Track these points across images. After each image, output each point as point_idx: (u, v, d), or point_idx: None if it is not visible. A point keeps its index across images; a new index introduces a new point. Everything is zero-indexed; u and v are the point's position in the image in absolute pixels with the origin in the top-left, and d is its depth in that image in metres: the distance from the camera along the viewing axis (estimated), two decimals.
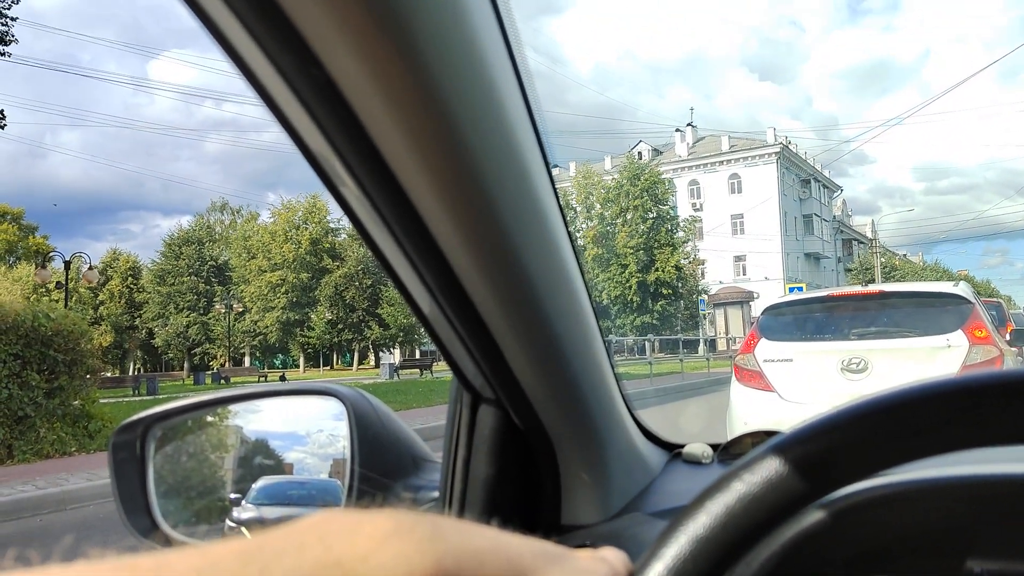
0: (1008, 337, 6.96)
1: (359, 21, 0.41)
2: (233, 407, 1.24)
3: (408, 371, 34.74)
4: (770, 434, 1.04)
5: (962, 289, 5.26)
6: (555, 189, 0.67)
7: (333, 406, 0.98)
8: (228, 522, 1.14)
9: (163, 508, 1.06)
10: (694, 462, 1.02)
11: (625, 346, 31.44)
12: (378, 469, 0.90)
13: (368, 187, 0.53)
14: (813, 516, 0.57)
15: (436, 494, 0.85)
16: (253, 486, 1.15)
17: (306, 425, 1.18)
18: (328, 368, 55.47)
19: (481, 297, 0.63)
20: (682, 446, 1.05)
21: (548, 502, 0.81)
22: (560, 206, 0.68)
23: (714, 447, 1.04)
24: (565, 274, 0.71)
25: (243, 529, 1.13)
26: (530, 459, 0.80)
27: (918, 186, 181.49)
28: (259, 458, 1.22)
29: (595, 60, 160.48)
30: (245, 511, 1.13)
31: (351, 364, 55.32)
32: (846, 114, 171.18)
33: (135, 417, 1.08)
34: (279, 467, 1.19)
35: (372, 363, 52.90)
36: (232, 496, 1.16)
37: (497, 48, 0.53)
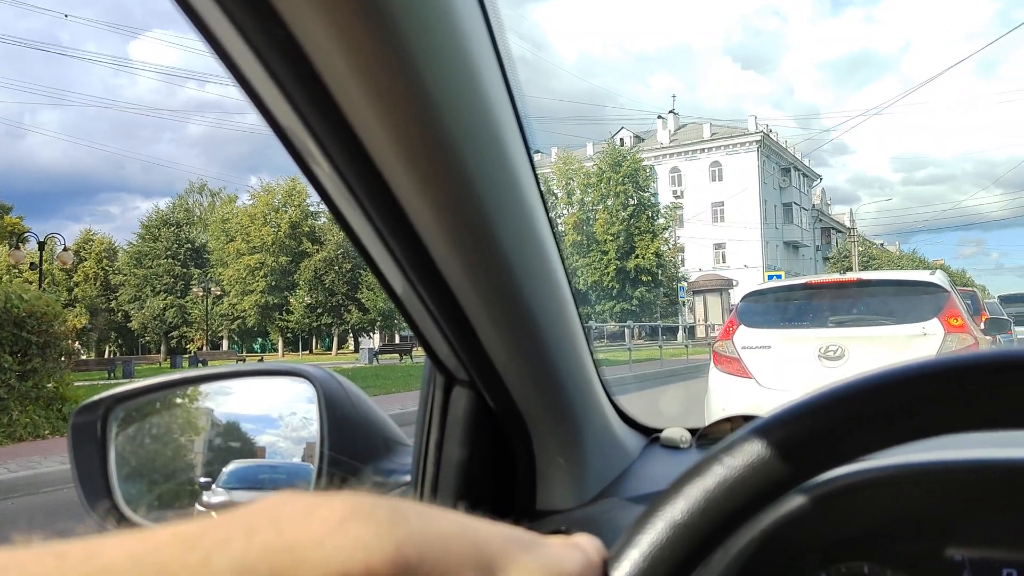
0: (983, 326, 7.04)
1: None
2: (204, 388, 1.22)
3: (387, 356, 34.65)
4: (748, 419, 1.03)
5: (939, 278, 5.30)
6: (535, 171, 0.65)
7: (305, 388, 0.96)
8: (198, 506, 1.12)
9: (125, 492, 1.03)
10: (672, 447, 1.01)
11: (605, 332, 31.55)
12: (349, 452, 0.88)
13: (341, 166, 0.52)
14: (793, 501, 0.56)
15: (408, 478, 0.83)
16: (224, 469, 1.13)
17: (279, 408, 1.15)
18: (307, 352, 55.27)
19: (456, 277, 0.62)
20: (660, 430, 1.04)
21: (522, 486, 0.80)
22: (540, 189, 0.66)
23: (692, 432, 1.03)
24: (543, 256, 0.69)
25: (213, 514, 1.11)
26: (504, 442, 0.78)
27: (896, 176, 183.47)
28: (230, 441, 1.19)
29: (579, 47, 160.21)
30: (215, 495, 1.11)
31: (330, 348, 55.14)
32: (827, 104, 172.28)
33: (96, 398, 1.05)
34: (251, 450, 1.17)
35: (351, 348, 52.71)
36: (202, 479, 1.14)
37: (477, 27, 0.52)
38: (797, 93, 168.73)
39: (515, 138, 0.60)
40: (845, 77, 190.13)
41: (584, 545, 0.45)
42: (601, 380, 0.91)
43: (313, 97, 0.46)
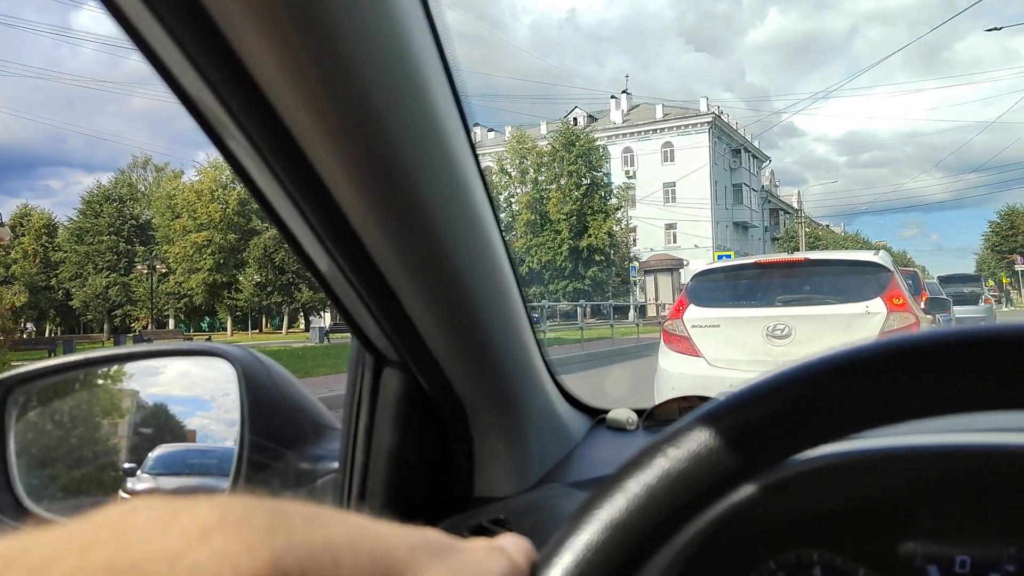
0: (923, 305, 7.22)
1: None
2: (129, 368, 1.15)
3: (339, 335, 34.29)
4: (698, 399, 1.02)
5: (882, 258, 5.40)
6: (472, 142, 0.61)
7: (226, 369, 0.90)
8: (122, 494, 1.06)
9: (27, 483, 0.96)
10: (618, 428, 0.98)
11: (558, 311, 31.69)
12: (274, 437, 0.83)
13: (255, 136, 0.48)
14: (743, 491, 0.52)
15: (336, 464, 0.78)
16: (150, 455, 1.07)
17: (210, 388, 1.09)
18: (257, 331, 54.41)
19: (381, 252, 0.57)
20: (607, 411, 1.01)
21: (460, 472, 0.75)
22: (479, 163, 0.62)
23: (640, 412, 1.00)
24: (479, 231, 0.65)
25: None
26: (440, 426, 0.74)
27: (842, 159, 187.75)
28: (158, 424, 1.13)
29: (535, 26, 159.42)
30: (140, 482, 1.05)
31: (281, 327, 54.35)
32: (777, 87, 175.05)
33: None
34: (180, 434, 1.11)
35: (302, 326, 52.05)
36: (126, 465, 1.08)
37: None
38: (748, 76, 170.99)
39: (448, 107, 0.56)
40: (794, 61, 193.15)
41: (509, 548, 0.41)
42: (545, 360, 0.87)
43: (222, 64, 0.44)
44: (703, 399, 0.99)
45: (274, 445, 0.82)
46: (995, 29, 32.68)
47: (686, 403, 0.98)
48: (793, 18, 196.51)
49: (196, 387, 1.10)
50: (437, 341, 0.66)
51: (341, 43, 0.44)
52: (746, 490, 0.52)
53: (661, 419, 0.98)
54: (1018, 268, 48.39)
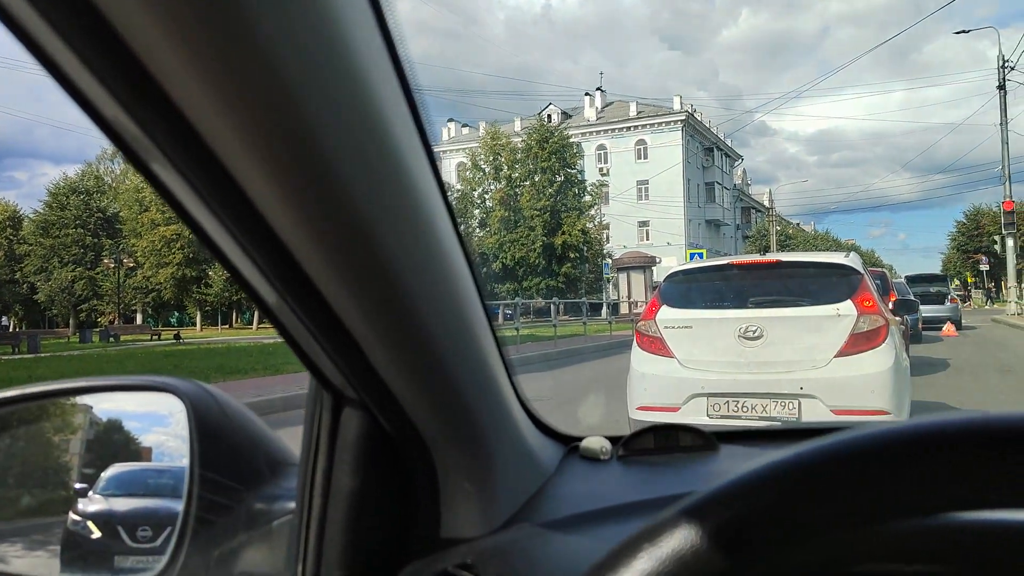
0: (891, 306, 7.30)
1: None
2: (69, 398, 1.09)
3: None
4: (672, 428, 0.99)
5: (852, 260, 5.45)
6: (431, 157, 0.56)
7: (174, 404, 0.85)
8: (72, 516, 1.01)
9: None
10: (592, 458, 0.94)
11: (532, 308, 31.70)
12: (227, 474, 0.78)
13: (179, 162, 0.44)
14: None
15: (294, 504, 0.74)
16: (102, 475, 1.02)
17: (169, 404, 1.04)
18: (227, 327, 53.79)
19: (327, 282, 0.52)
20: (579, 438, 0.97)
21: (425, 514, 0.71)
22: (435, 168, 0.56)
23: (614, 440, 0.97)
24: (439, 256, 0.60)
25: (89, 524, 1.00)
26: (403, 466, 0.70)
27: (812, 158, 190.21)
28: (112, 443, 1.08)
29: (510, 22, 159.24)
30: (92, 503, 1.00)
31: (251, 323, 53.77)
32: (749, 86, 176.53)
33: None
34: (135, 452, 1.06)
35: None
36: (77, 486, 1.03)
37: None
38: (722, 75, 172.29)
39: (403, 121, 0.51)
40: (766, 61, 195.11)
41: None
42: (515, 388, 0.83)
43: (130, 77, 0.39)
44: (680, 427, 0.97)
45: (228, 483, 0.78)
46: (963, 32, 33.26)
47: (662, 433, 0.95)
48: (765, 18, 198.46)
49: (153, 403, 1.06)
50: (396, 377, 0.62)
51: (277, 65, 0.39)
52: None
53: (636, 449, 0.94)
54: (982, 268, 49.28)
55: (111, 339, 34.23)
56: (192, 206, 0.48)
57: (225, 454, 0.80)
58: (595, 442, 0.95)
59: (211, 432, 0.80)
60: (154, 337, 36.55)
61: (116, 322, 47.05)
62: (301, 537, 0.67)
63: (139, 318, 54.24)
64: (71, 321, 52.59)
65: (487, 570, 0.61)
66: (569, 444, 0.98)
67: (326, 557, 0.66)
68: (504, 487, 0.77)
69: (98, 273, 52.01)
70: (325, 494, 0.67)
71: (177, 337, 34.18)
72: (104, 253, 51.17)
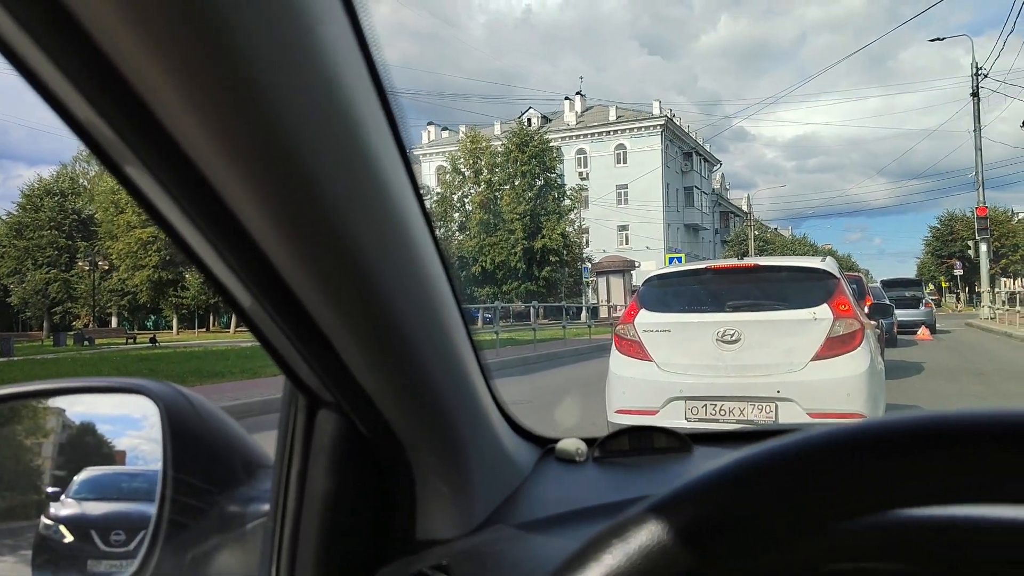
0: (867, 310, 7.38)
1: None
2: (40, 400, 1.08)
3: None
4: (646, 431, 1.00)
5: (828, 264, 5.51)
6: (404, 153, 0.56)
7: (148, 407, 0.85)
8: (44, 520, 1.00)
9: None
10: (568, 460, 0.95)
11: (511, 312, 31.70)
12: (201, 477, 0.78)
13: (151, 164, 0.44)
14: None
15: (268, 507, 0.73)
16: (75, 478, 1.01)
17: (142, 407, 1.04)
18: (204, 330, 53.29)
19: (302, 286, 0.52)
20: (555, 440, 0.98)
21: (401, 516, 0.71)
22: (411, 173, 0.57)
23: (590, 442, 0.97)
24: (413, 255, 0.60)
25: (62, 528, 0.99)
26: (379, 468, 0.70)
27: (790, 163, 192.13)
28: (85, 446, 1.07)
29: (491, 26, 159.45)
30: (64, 507, 0.99)
31: (228, 326, 53.30)
32: (728, 92, 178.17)
33: None
34: (108, 456, 1.05)
35: None
36: (50, 490, 1.02)
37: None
38: (700, 80, 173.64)
39: (377, 121, 0.51)
40: (745, 66, 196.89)
41: None
42: (490, 389, 0.83)
43: (104, 80, 0.39)
44: (656, 429, 0.97)
45: (202, 485, 0.77)
46: (938, 40, 33.67)
47: (637, 435, 0.95)
48: (744, 24, 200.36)
49: (126, 406, 1.05)
50: (371, 380, 0.62)
51: (249, 67, 0.39)
52: None
53: (611, 451, 0.95)
54: (956, 272, 49.94)
55: (85, 342, 33.81)
56: (166, 209, 0.48)
57: (199, 456, 0.80)
58: (571, 444, 0.95)
59: (185, 434, 0.79)
60: (129, 340, 36.16)
61: (91, 325, 46.47)
62: (275, 539, 0.67)
63: (114, 321, 53.58)
64: (45, 324, 51.86)
65: (462, 571, 0.61)
66: (545, 446, 0.98)
67: (300, 559, 0.66)
68: (479, 489, 0.77)
69: (73, 275, 51.35)
70: (300, 496, 0.67)
71: (153, 340, 33.83)
72: (79, 255, 50.53)
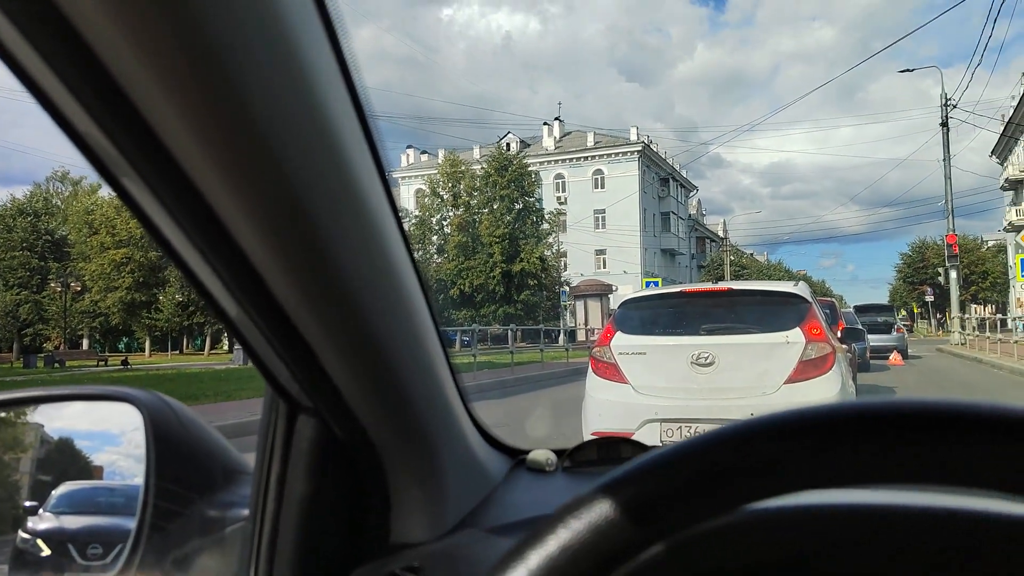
0: (840, 335, 7.48)
1: None
2: (26, 407, 1.09)
3: None
4: (615, 441, 1.03)
5: (801, 289, 5.59)
6: (384, 178, 0.60)
7: (131, 414, 0.87)
8: (22, 534, 1.00)
9: None
10: (538, 469, 0.98)
11: (489, 335, 31.67)
12: (182, 483, 0.80)
13: (146, 174, 0.46)
14: (646, 553, 0.53)
15: (247, 511, 0.76)
16: (53, 492, 1.02)
17: (120, 423, 1.05)
18: (177, 352, 52.59)
19: (287, 296, 0.56)
20: (526, 451, 1.01)
21: (375, 519, 0.74)
22: (389, 193, 0.61)
23: (559, 453, 1.00)
24: (389, 268, 0.64)
25: (39, 542, 1.00)
26: (355, 473, 0.72)
27: (765, 190, 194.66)
28: (62, 460, 1.08)
29: (470, 52, 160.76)
30: (42, 521, 1.00)
31: (202, 348, 52.73)
32: (704, 119, 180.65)
33: None
34: (87, 471, 1.06)
35: (226, 348, 50.52)
36: (27, 504, 1.03)
37: (310, 25, 0.48)
38: (678, 108, 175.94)
39: (357, 142, 0.54)
40: (721, 95, 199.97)
41: None
42: (464, 401, 0.86)
43: (104, 96, 0.42)
44: (623, 440, 1.01)
45: (183, 491, 0.79)
46: (907, 71, 34.47)
47: (605, 444, 0.99)
48: (719, 54, 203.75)
49: (105, 421, 1.06)
50: (349, 387, 0.65)
51: (242, 89, 0.43)
52: (650, 552, 0.51)
53: (580, 460, 0.98)
54: (928, 299, 50.64)
55: (56, 364, 33.27)
56: (160, 221, 0.51)
57: (181, 463, 0.82)
58: (541, 454, 0.99)
59: (168, 441, 0.81)
60: (101, 363, 35.63)
61: (61, 347, 45.69)
62: (254, 541, 0.70)
63: (85, 343, 52.77)
64: (15, 346, 50.96)
65: (434, 573, 0.64)
66: (516, 457, 1.01)
67: (278, 561, 0.68)
68: (451, 494, 0.80)
69: (44, 297, 50.61)
70: (279, 499, 0.69)
71: (125, 363, 33.35)
72: (51, 276, 49.85)
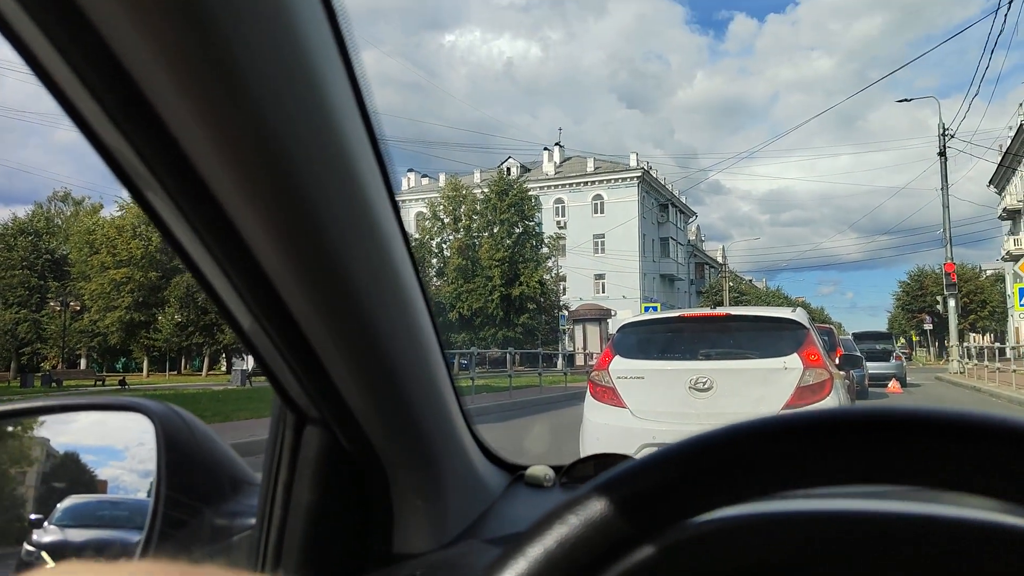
0: (838, 361, 7.48)
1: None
2: (40, 416, 1.11)
3: (261, 378, 33.21)
4: (612, 458, 1.05)
5: (799, 315, 5.60)
6: (393, 201, 0.63)
7: (143, 423, 0.89)
8: (27, 546, 1.02)
9: None
10: (536, 485, 1.00)
11: (487, 359, 31.62)
12: (190, 493, 0.82)
13: (173, 192, 0.49)
14: (641, 552, 0.55)
15: (254, 521, 0.78)
16: (58, 505, 1.04)
17: (124, 438, 1.07)
18: (175, 373, 52.41)
19: (302, 310, 0.59)
20: (525, 467, 1.03)
21: (378, 529, 0.76)
22: (398, 216, 0.64)
23: (557, 469, 1.03)
24: (398, 288, 0.67)
25: (43, 554, 1.02)
26: (360, 484, 0.75)
27: (764, 217, 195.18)
28: (68, 474, 1.10)
29: (472, 77, 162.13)
30: (47, 533, 1.02)
31: (201, 369, 52.52)
32: (703, 146, 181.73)
33: None
34: (91, 484, 1.08)
35: (224, 368, 50.35)
36: (33, 517, 1.04)
37: (325, 49, 0.50)
38: (677, 133, 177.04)
39: (367, 159, 0.58)
40: (720, 122, 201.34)
41: None
42: (464, 415, 0.89)
43: (137, 116, 0.44)
44: (621, 457, 1.03)
45: (190, 500, 0.81)
46: (905, 100, 34.78)
47: (602, 461, 1.01)
48: (719, 82, 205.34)
49: (109, 436, 1.08)
50: (357, 399, 0.68)
51: (264, 112, 0.45)
52: (644, 551, 0.54)
53: (577, 476, 1.00)
54: (926, 327, 50.59)
55: (53, 384, 33.15)
56: (181, 233, 0.53)
57: (190, 472, 0.84)
58: (539, 470, 1.01)
59: (178, 451, 0.84)
60: (98, 383, 35.48)
61: (59, 366, 45.55)
62: (260, 549, 0.72)
63: (83, 363, 52.61)
64: (12, 365, 50.78)
65: None
66: (515, 472, 1.04)
67: (284, 569, 0.70)
68: (453, 507, 0.82)
69: (43, 316, 50.53)
70: (285, 508, 0.71)
71: (123, 383, 33.21)
72: (50, 295, 49.80)
